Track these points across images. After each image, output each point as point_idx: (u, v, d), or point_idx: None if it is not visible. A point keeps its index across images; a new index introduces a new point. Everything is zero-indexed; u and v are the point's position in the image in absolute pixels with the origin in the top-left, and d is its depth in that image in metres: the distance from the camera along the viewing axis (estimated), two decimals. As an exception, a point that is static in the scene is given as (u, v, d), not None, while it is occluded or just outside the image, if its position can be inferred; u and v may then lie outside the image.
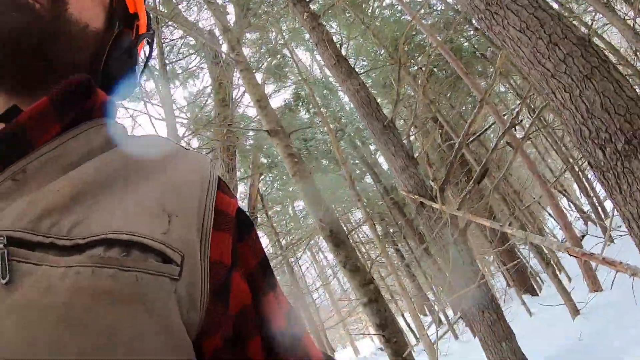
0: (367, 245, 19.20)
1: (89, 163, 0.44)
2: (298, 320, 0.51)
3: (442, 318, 15.64)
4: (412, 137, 5.70)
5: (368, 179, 14.32)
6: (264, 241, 15.31)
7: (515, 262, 10.09)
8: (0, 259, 0.34)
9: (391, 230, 16.06)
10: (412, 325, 16.03)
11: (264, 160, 9.33)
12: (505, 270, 11.75)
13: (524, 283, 11.37)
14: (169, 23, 6.69)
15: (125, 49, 0.57)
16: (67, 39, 0.49)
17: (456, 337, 12.74)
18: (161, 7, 5.97)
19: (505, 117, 5.64)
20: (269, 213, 10.81)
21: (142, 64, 0.66)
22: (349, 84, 5.22)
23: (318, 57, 10.59)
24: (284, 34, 8.79)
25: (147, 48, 0.68)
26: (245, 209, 6.01)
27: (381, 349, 18.53)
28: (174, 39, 8.03)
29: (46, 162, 0.42)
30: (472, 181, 3.52)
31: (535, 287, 12.20)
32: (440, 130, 8.83)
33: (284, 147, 3.41)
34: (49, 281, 0.34)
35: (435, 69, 10.04)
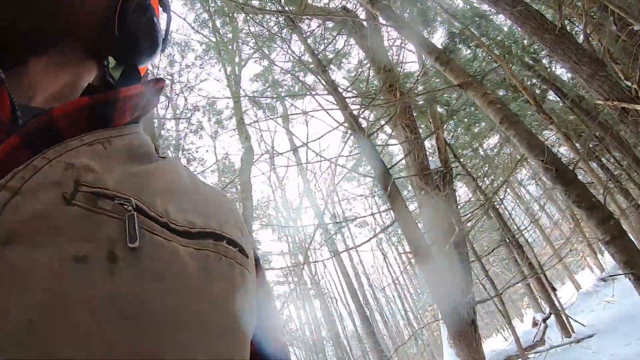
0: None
1: (162, 164, 0.46)
2: (284, 345, 0.55)
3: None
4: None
5: (551, 95, 13.04)
6: (464, 190, 15.04)
7: None
8: (130, 222, 0.35)
9: (590, 144, 14.36)
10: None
11: (441, 110, 9.15)
12: None
13: None
14: (303, 17, 7.02)
15: (137, 2, 0.55)
16: None
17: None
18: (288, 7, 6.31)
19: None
20: (461, 160, 10.59)
21: (165, 29, 0.63)
22: (503, 5, 4.88)
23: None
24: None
25: (164, 15, 0.66)
26: (437, 164, 6.05)
27: (602, 280, 16.63)
28: (313, 30, 8.43)
29: (126, 145, 0.43)
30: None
31: None
32: (611, 18, 7.61)
33: (482, 96, 3.32)
34: (181, 258, 0.37)
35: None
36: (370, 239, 5.90)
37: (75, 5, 0.47)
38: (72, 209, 0.33)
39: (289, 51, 7.49)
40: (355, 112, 5.04)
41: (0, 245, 0.29)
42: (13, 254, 0.29)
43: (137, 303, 0.32)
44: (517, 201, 19.84)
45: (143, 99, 0.48)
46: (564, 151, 15.76)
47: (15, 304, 0.28)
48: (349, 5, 7.72)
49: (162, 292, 0.34)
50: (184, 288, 0.36)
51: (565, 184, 3.38)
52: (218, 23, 10.49)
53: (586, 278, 23.77)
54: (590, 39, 4.94)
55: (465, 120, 10.62)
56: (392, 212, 4.82)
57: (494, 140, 14.21)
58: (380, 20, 4.84)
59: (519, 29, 5.32)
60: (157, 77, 0.54)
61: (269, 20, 7.73)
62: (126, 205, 0.36)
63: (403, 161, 5.88)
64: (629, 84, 3.63)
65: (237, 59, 10.76)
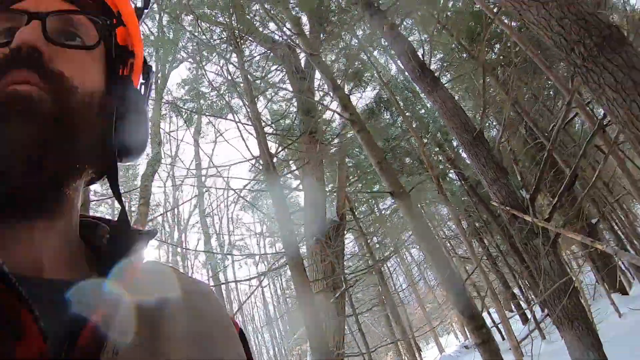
0: (452, 241, 18.94)
1: (178, 316, 0.47)
2: None
3: (528, 314, 14.99)
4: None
5: (452, 174, 14.16)
6: (352, 245, 15.57)
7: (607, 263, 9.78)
8: None
9: (477, 224, 15.75)
10: (499, 324, 15.49)
11: (347, 161, 9.43)
12: (594, 267, 11.39)
13: (614, 281, 10.87)
14: (248, 41, 7.06)
15: (127, 98, 0.52)
16: (82, 117, 0.44)
17: (543, 337, 12.13)
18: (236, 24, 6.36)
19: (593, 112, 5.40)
20: (356, 215, 11.00)
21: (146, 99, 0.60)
22: (436, 96, 5.29)
23: (393, 55, 10.60)
24: (360, 38, 8.97)
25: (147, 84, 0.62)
26: (335, 215, 6.25)
27: (465, 347, 18.10)
28: (254, 56, 8.51)
29: (123, 317, 0.43)
30: (561, 190, 3.53)
31: (625, 284, 12.00)
32: (525, 123, 8.55)
33: (408, 208, 3.84)
34: None
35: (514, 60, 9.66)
36: (254, 278, 5.87)
37: (87, 150, 0.45)
38: None
39: (225, 69, 7.40)
40: (272, 150, 5.10)
41: None
42: None
43: None
44: (400, 262, 20.86)
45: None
46: (453, 226, 17.02)
47: None
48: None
49: None
50: None
51: (456, 296, 4.20)
52: (164, 19, 10.16)
53: (450, 342, 25.27)
54: (501, 143, 5.51)
55: (369, 177, 11.13)
56: (285, 255, 4.88)
57: (389, 201, 15.01)
58: (344, 114, 5.02)
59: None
60: (152, 230, 0.54)
61: (213, 32, 7.66)
62: None
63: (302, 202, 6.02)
64: (524, 194, 4.12)
65: (170, 58, 10.42)
